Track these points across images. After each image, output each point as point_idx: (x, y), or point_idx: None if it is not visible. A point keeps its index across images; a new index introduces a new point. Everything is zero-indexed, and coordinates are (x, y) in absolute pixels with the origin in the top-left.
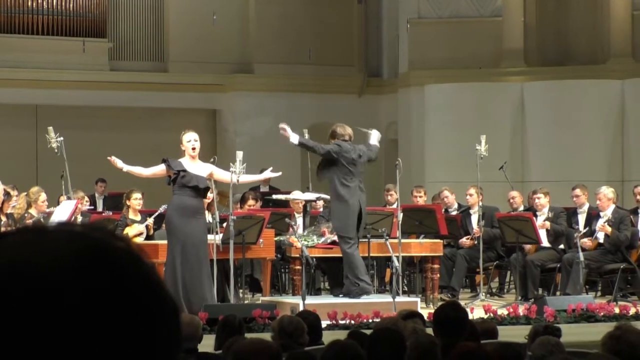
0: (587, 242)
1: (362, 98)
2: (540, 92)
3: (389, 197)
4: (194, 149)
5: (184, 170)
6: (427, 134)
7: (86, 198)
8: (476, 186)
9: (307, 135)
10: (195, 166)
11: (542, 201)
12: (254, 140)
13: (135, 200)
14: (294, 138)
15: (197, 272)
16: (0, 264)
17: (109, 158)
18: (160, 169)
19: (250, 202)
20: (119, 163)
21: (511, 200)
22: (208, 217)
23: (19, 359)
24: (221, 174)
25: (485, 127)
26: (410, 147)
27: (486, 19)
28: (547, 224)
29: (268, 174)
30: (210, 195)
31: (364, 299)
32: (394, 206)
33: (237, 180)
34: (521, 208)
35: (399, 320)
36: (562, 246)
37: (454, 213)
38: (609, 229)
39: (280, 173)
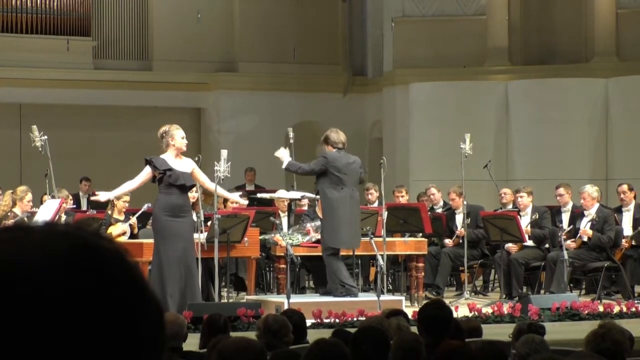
0: (570, 244)
1: (346, 97)
2: (525, 91)
3: (369, 196)
4: (186, 145)
5: (170, 169)
6: (412, 132)
7: (70, 197)
8: (457, 188)
9: (291, 134)
10: (180, 162)
11: (525, 200)
12: (238, 139)
13: (124, 202)
14: (285, 163)
15: (192, 270)
16: None
17: (93, 198)
18: (146, 175)
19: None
20: (103, 197)
21: (502, 195)
22: (193, 215)
23: (4, 357)
24: (201, 177)
25: (469, 125)
26: (394, 145)
27: (470, 17)
28: (529, 229)
29: (237, 197)
30: (195, 194)
31: (349, 298)
32: (375, 205)
33: (218, 182)
34: (510, 206)
35: (384, 319)
36: (546, 245)
37: (440, 211)
38: (589, 232)
39: (246, 202)
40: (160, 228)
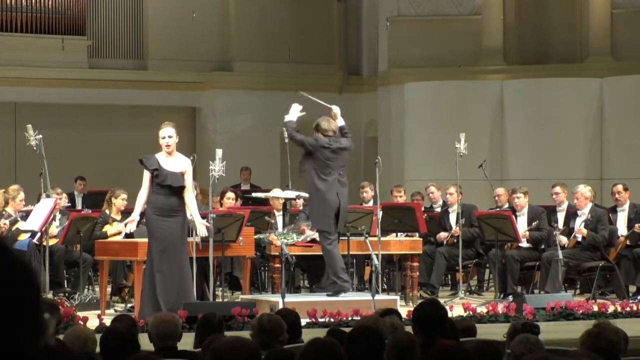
0: (564, 239)
1: (342, 96)
2: (520, 91)
3: (364, 195)
4: (167, 146)
5: (157, 169)
6: (407, 132)
7: (65, 195)
8: (456, 185)
9: (286, 134)
10: (171, 161)
11: (522, 201)
12: (233, 138)
13: (122, 200)
14: (290, 117)
15: (183, 269)
16: None
17: (121, 229)
18: (148, 177)
19: (229, 194)
20: (133, 226)
21: (496, 198)
22: (187, 214)
23: None
24: (186, 182)
25: (464, 125)
26: (389, 145)
27: (466, 17)
28: (527, 233)
29: (200, 225)
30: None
31: (344, 297)
32: (370, 204)
33: (213, 182)
34: (506, 206)
35: (379, 318)
36: (542, 246)
37: (439, 210)
38: (584, 232)
39: (205, 234)
40: (151, 227)
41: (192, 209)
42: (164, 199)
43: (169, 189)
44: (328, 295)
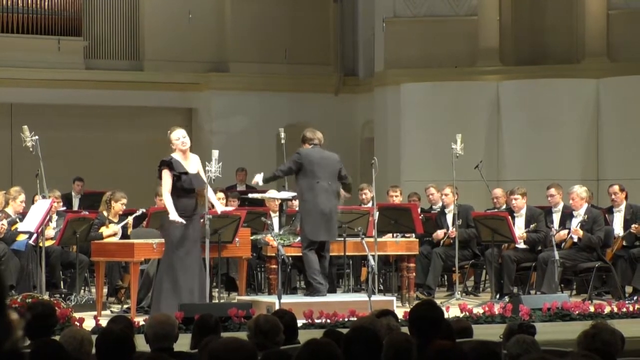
0: (563, 235)
1: (338, 97)
2: (516, 91)
3: (363, 196)
4: (184, 144)
5: (186, 173)
6: (403, 132)
7: (60, 198)
8: (452, 185)
9: (282, 135)
10: (188, 164)
11: (519, 202)
12: (229, 139)
13: (122, 205)
14: (259, 179)
15: (198, 270)
16: None
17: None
18: (171, 180)
19: (219, 194)
20: (182, 220)
21: (495, 199)
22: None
23: None
24: (205, 178)
25: (460, 126)
26: (386, 146)
27: (462, 17)
28: (524, 235)
29: (221, 207)
30: None
31: (341, 298)
32: (369, 205)
33: (209, 182)
34: (504, 207)
35: (376, 319)
36: (538, 247)
37: (438, 210)
38: (580, 232)
39: (230, 209)
40: (173, 229)
41: (214, 200)
42: (187, 201)
43: (192, 190)
44: (305, 294)
